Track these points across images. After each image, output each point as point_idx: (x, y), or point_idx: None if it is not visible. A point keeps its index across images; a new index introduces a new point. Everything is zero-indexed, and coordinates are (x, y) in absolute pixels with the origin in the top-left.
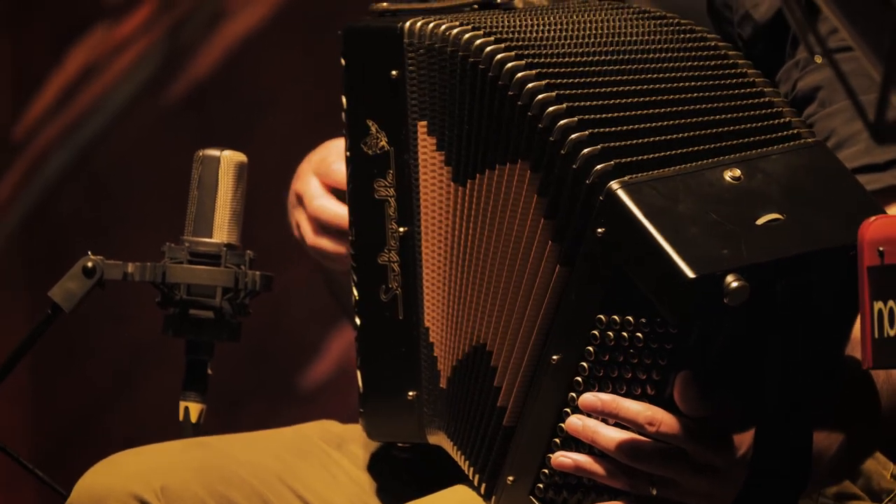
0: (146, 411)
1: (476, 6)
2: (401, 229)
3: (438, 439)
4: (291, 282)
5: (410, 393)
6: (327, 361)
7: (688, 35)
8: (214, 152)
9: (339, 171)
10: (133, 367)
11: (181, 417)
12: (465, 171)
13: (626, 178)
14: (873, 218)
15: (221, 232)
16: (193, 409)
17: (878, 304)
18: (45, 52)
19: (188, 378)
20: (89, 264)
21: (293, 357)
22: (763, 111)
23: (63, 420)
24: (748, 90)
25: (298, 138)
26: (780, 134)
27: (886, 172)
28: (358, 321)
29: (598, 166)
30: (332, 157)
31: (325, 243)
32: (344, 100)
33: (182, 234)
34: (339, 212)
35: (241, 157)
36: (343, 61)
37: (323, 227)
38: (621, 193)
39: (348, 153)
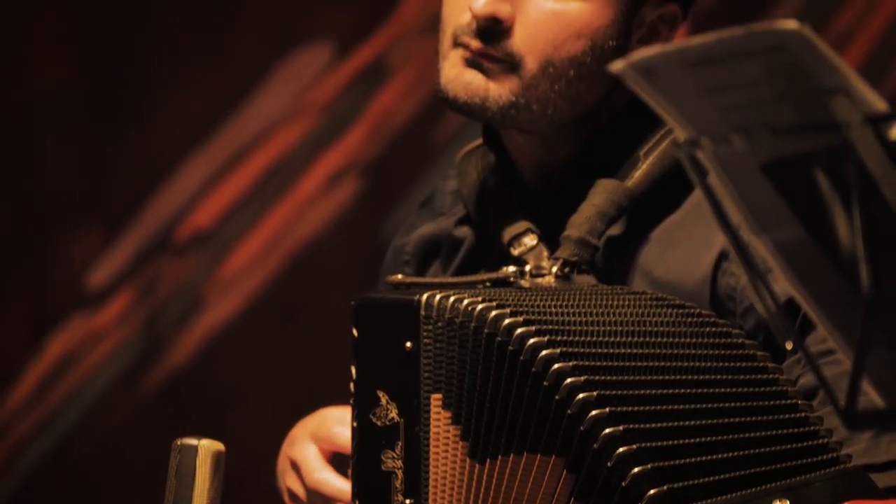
0: None
1: (489, 283)
2: (407, 501)
3: None
4: None
5: None
6: None
7: (712, 329)
8: (192, 441)
9: (340, 434)
10: None
11: None
12: (484, 450)
13: None
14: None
15: None
16: None
17: None
18: (23, 341)
19: None
20: None
21: None
22: (800, 429)
23: None
24: (781, 402)
25: (274, 428)
26: (819, 458)
27: (885, 473)
28: None
29: (651, 491)
30: (330, 422)
31: None
32: (353, 370)
33: None
34: (341, 487)
35: (218, 446)
36: (355, 332)
37: (322, 500)
38: None
39: (355, 423)
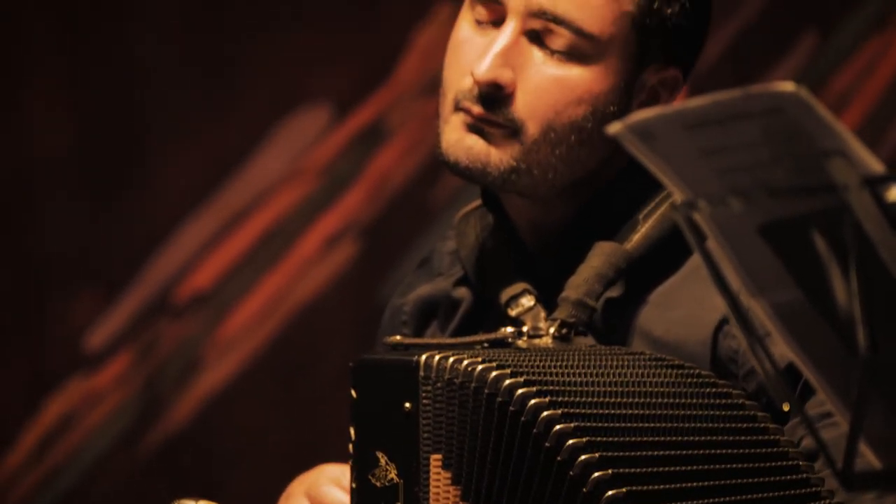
0: None
1: (486, 344)
2: None
3: None
4: None
5: None
6: None
7: (712, 389)
8: (190, 502)
9: (329, 493)
10: None
11: None
12: None
13: None
14: None
15: None
16: None
17: None
18: (21, 402)
19: None
20: None
21: None
22: (801, 490)
23: None
24: (783, 463)
25: (273, 489)
26: None
27: None
28: None
29: None
30: (323, 479)
31: None
32: (352, 431)
33: None
34: None
35: None
36: (353, 393)
37: None
38: None
39: (354, 484)
